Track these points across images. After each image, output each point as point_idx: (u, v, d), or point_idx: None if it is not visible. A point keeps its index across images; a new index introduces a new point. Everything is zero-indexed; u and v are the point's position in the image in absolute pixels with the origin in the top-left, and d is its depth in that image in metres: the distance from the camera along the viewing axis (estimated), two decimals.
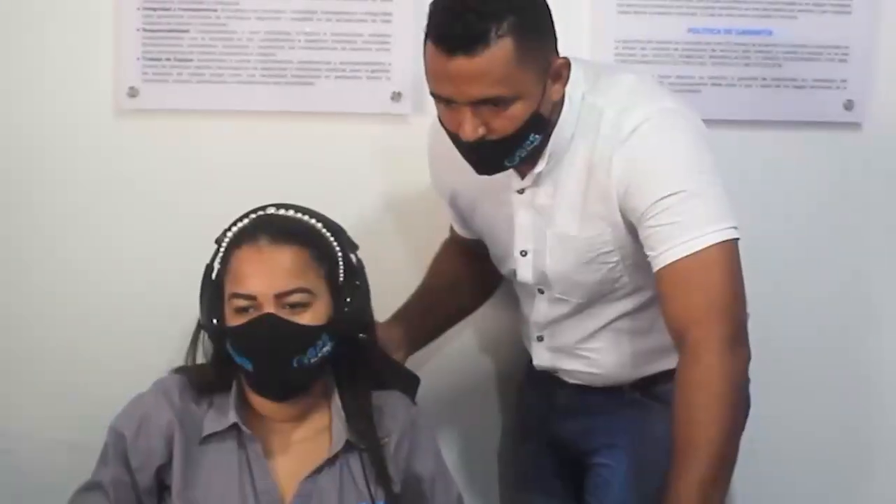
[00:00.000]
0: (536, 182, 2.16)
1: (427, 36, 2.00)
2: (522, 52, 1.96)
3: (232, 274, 2.02)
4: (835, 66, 2.67)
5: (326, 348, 2.03)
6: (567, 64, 2.06)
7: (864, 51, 2.68)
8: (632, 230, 2.09)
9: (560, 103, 2.09)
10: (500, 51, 1.94)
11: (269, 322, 1.97)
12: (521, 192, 2.19)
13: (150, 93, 2.49)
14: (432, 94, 2.03)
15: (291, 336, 1.99)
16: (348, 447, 2.08)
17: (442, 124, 2.07)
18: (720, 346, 1.97)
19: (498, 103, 1.99)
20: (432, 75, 2.01)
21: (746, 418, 2.28)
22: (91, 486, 2.06)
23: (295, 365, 2.00)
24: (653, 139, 2.05)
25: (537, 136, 2.06)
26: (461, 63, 1.95)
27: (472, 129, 2.00)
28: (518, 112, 2.00)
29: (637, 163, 2.04)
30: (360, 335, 2.11)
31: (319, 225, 2.08)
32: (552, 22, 2.06)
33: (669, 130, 2.07)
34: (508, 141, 2.03)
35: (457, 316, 2.54)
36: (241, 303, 2.00)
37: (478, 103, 1.98)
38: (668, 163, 2.04)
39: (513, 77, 1.97)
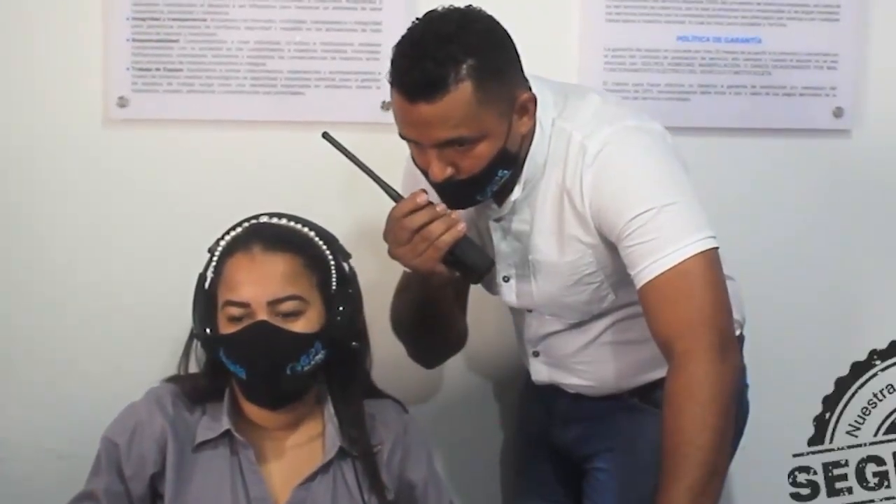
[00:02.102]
0: (513, 210, 2.17)
1: (390, 81, 2.01)
2: (483, 94, 1.98)
3: (225, 282, 2.02)
4: (824, 74, 2.68)
5: (319, 356, 2.03)
6: (533, 98, 2.07)
7: (853, 58, 2.69)
8: (612, 248, 2.09)
9: (531, 132, 2.10)
10: (459, 94, 1.96)
11: (262, 329, 1.97)
12: (498, 220, 2.19)
13: (139, 103, 2.49)
14: (400, 135, 2.05)
15: (284, 343, 1.99)
16: (342, 454, 2.07)
17: (414, 162, 2.09)
18: (708, 355, 1.96)
19: (463, 143, 2.00)
20: (398, 119, 2.04)
21: (745, 424, 2.29)
22: (84, 496, 2.04)
23: (288, 372, 2.00)
24: (617, 160, 2.06)
25: (506, 171, 2.08)
26: (423, 109, 1.97)
27: (439, 171, 2.02)
28: (484, 151, 2.02)
29: (605, 185, 2.05)
30: (353, 343, 2.11)
31: (312, 234, 2.08)
32: (516, 57, 2.07)
33: (632, 148, 2.08)
34: (477, 179, 2.05)
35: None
36: (235, 311, 2.00)
37: (443, 145, 2.00)
38: (634, 182, 2.05)
39: (475, 118, 1.98)
